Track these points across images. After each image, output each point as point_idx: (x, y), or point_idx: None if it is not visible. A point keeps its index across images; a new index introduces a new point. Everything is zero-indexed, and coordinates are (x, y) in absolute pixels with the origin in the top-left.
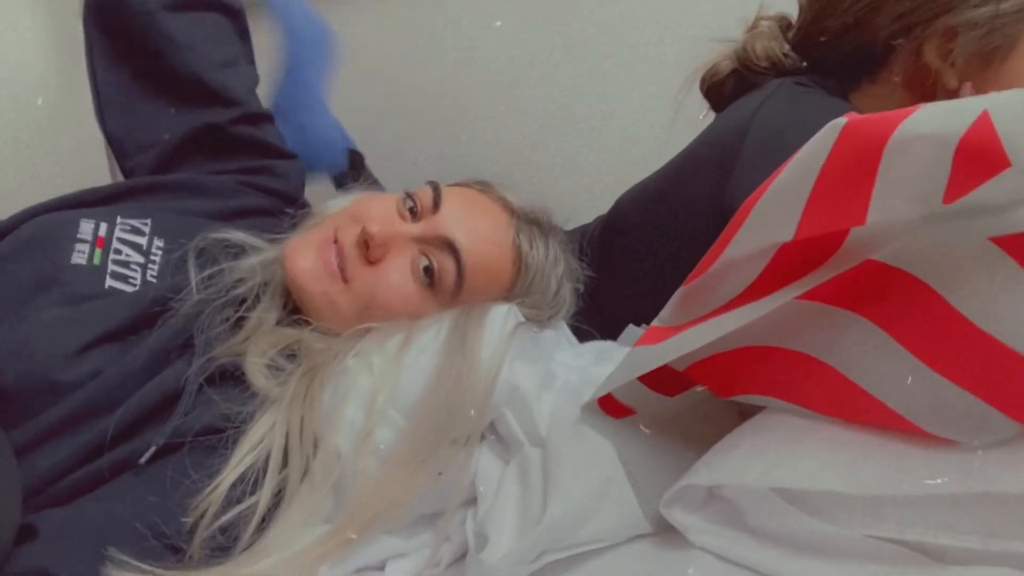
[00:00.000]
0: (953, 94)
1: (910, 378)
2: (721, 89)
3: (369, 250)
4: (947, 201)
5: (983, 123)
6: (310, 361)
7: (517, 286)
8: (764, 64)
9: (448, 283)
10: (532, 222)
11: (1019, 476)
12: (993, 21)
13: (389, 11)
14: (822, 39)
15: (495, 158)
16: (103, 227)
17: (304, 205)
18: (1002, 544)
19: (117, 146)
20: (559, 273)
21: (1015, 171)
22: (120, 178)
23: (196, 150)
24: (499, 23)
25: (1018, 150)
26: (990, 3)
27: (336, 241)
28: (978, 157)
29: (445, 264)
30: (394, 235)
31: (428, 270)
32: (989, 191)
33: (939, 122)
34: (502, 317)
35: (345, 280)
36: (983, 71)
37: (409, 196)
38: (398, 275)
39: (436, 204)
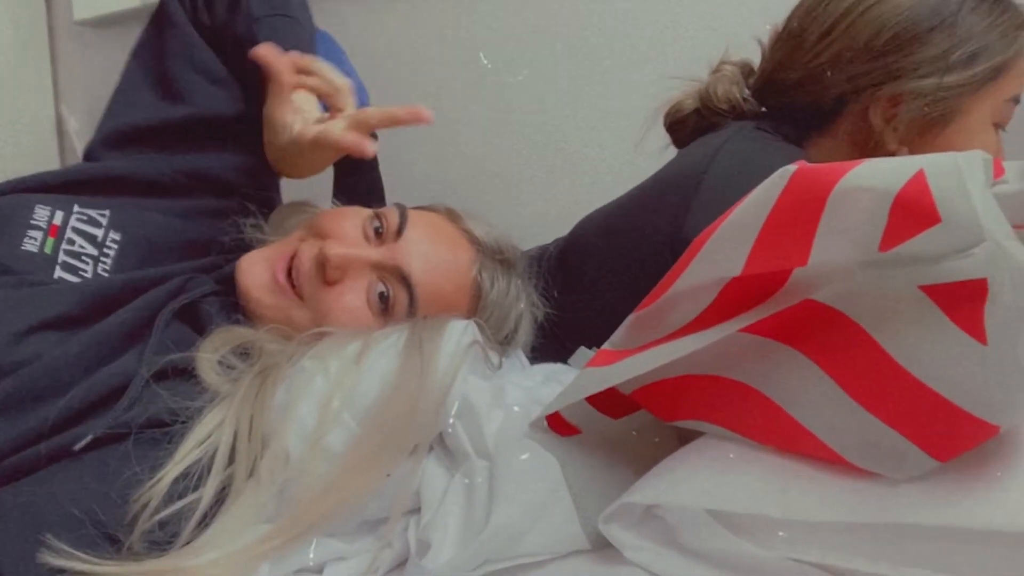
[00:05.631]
0: (891, 156)
1: (839, 412)
2: (683, 126)
3: (326, 272)
4: (883, 249)
5: (919, 181)
6: (264, 361)
7: (475, 316)
8: (724, 106)
9: (400, 312)
10: (496, 258)
11: (932, 510)
12: (936, 92)
13: (389, 11)
14: (779, 89)
15: (494, 159)
16: (59, 215)
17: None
18: (911, 571)
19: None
20: (519, 309)
21: (945, 227)
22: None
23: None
24: (498, 23)
25: (948, 207)
26: (935, 75)
27: (296, 256)
28: (912, 211)
29: (399, 294)
30: (353, 260)
31: (383, 296)
32: (921, 243)
33: (880, 176)
34: (460, 330)
35: (300, 296)
36: (921, 138)
37: (376, 216)
38: (353, 298)
39: (400, 230)
